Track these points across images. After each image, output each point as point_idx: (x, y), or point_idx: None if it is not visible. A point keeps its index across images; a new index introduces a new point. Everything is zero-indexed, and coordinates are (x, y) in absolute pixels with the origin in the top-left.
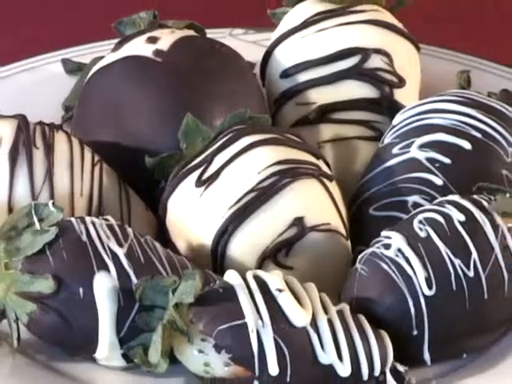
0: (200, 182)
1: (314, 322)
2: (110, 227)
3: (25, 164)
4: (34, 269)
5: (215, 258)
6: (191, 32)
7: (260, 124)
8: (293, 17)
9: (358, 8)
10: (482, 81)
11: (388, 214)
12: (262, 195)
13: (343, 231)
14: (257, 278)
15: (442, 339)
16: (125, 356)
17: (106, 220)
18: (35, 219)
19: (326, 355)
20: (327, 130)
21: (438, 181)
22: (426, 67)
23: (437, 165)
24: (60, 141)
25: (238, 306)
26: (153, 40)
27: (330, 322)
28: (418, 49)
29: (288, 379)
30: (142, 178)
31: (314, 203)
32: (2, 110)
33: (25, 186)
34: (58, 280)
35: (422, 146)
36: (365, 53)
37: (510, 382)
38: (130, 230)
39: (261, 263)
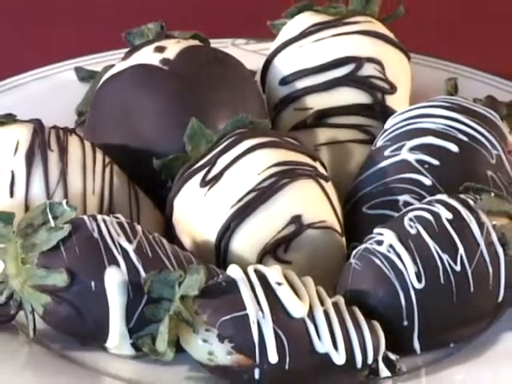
0: (204, 183)
1: (310, 314)
2: (120, 225)
3: (40, 165)
4: (49, 263)
5: (218, 254)
6: (196, 42)
7: (260, 128)
8: (291, 28)
9: (352, 19)
10: (468, 87)
11: (380, 212)
12: (262, 195)
13: (338, 228)
14: (257, 272)
15: (430, 329)
16: (134, 345)
17: (117, 218)
18: (50, 217)
19: (323, 344)
20: (323, 134)
21: (427, 181)
22: (416, 75)
23: (426, 166)
24: (73, 144)
25: (239, 298)
26: (160, 49)
27: (326, 314)
28: (409, 57)
29: (287, 367)
30: (149, 178)
31: (311, 202)
32: (18, 115)
33: (40, 186)
34: (71, 274)
35: (412, 149)
36: (358, 61)
37: (494, 370)
38: (138, 228)
39: (261, 258)
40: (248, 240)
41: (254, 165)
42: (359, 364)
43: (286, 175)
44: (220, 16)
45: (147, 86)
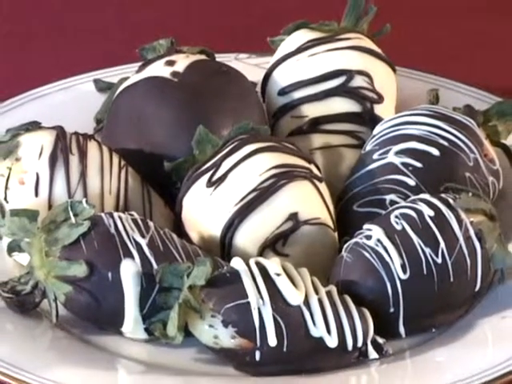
0: (210, 183)
1: (306, 301)
2: (135, 221)
3: (62, 168)
4: (70, 256)
5: (223, 247)
6: (203, 56)
7: (261, 134)
8: (289, 43)
9: (344, 36)
10: (448, 97)
11: (369, 210)
12: (262, 194)
13: (331, 225)
14: (258, 264)
15: (414, 315)
16: (147, 330)
17: (131, 215)
18: (71, 214)
19: (317, 329)
20: (318, 139)
21: (411, 182)
22: (401, 86)
23: (410, 168)
24: (92, 148)
25: (242, 287)
26: (170, 63)
27: (320, 301)
28: (394, 70)
29: (285, 349)
30: (161, 179)
31: (307, 201)
32: (43, 122)
33: (62, 187)
34: (90, 265)
35: (398, 153)
36: (349, 74)
37: (471, 352)
38: (151, 224)
39: (261, 251)
40: (250, 235)
41: (255, 167)
42: (350, 347)
43: (284, 176)
44: (224, 33)
45: (159, 97)
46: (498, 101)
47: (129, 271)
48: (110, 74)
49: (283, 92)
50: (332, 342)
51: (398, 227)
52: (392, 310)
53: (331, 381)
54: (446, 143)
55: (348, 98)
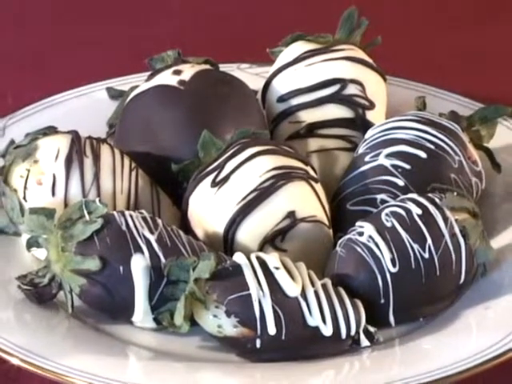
0: (214, 184)
1: (303, 293)
2: (144, 219)
3: (77, 169)
4: (84, 251)
5: (226, 243)
6: (207, 66)
7: (261, 138)
8: (287, 54)
9: (338, 47)
10: (434, 104)
11: (361, 208)
12: (262, 194)
13: (326, 222)
14: (259, 259)
15: (403, 306)
16: (155, 319)
17: (141, 213)
18: (85, 212)
19: (313, 319)
20: (313, 143)
21: (400, 182)
22: (391, 93)
23: (399, 170)
24: (105, 151)
25: (244, 280)
26: (177, 72)
27: (316, 293)
28: (385, 79)
29: (283, 337)
30: (168, 180)
31: (304, 200)
32: (59, 127)
33: (77, 187)
34: (103, 260)
35: (388, 155)
36: (343, 82)
37: (456, 340)
38: (159, 221)
39: (262, 247)
40: (251, 232)
41: (256, 169)
42: (344, 335)
43: (282, 177)
44: (227, 45)
45: (166, 103)
46: (481, 107)
47: (139, 265)
48: (122, 83)
49: (282, 99)
50: (327, 330)
51: (388, 224)
52: (382, 301)
53: (326, 367)
54: (432, 146)
55: (342, 105)
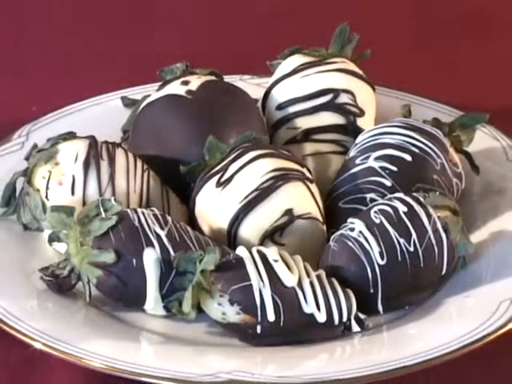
0: (219, 184)
1: (299, 283)
2: (155, 216)
3: (94, 171)
4: (101, 245)
5: (229, 238)
6: (213, 77)
7: (261, 142)
8: (285, 66)
9: (331, 60)
10: (418, 112)
11: (352, 206)
12: (263, 193)
13: (321, 219)
14: (259, 252)
15: (390, 295)
16: (165, 307)
17: (152, 211)
18: (102, 210)
19: (308, 306)
20: (309, 147)
21: (388, 183)
22: (379, 102)
23: (387, 171)
24: (119, 155)
25: (245, 271)
26: (185, 83)
27: (311, 283)
28: (374, 89)
29: (281, 324)
30: (177, 181)
31: (300, 199)
32: (78, 132)
33: (94, 187)
34: (118, 253)
35: (377, 158)
36: (336, 92)
37: (438, 326)
38: (169, 218)
39: (262, 241)
40: (252, 227)
41: (257, 170)
42: (336, 322)
43: (281, 178)
44: (231, 58)
45: (175, 111)
46: (461, 114)
47: (150, 258)
48: (135, 92)
49: (280, 107)
50: (321, 317)
51: (377, 221)
52: (372, 290)
53: (320, 350)
54: (417, 150)
55: (335, 113)
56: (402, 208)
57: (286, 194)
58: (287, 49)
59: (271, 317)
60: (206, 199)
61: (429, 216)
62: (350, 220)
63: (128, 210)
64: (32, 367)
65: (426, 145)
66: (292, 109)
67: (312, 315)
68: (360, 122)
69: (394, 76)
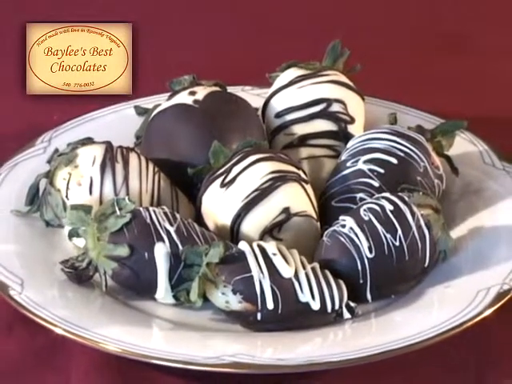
0: (223, 185)
1: (296, 275)
2: (165, 213)
3: (110, 173)
4: (116, 240)
5: (232, 234)
6: (217, 88)
7: (261, 147)
8: (282, 78)
9: (324, 72)
10: (404, 119)
11: (344, 205)
12: (262, 193)
13: (315, 216)
14: (259, 246)
15: (378, 286)
16: (174, 296)
17: (163, 209)
18: (117, 208)
19: (304, 296)
20: (304, 151)
21: (376, 184)
22: (368, 110)
23: (375, 173)
24: (133, 158)
25: (247, 264)
26: (192, 93)
27: (307, 275)
28: (363, 99)
29: (279, 311)
30: (185, 182)
31: (296, 198)
32: (95, 138)
33: (110, 187)
34: (131, 248)
35: (366, 161)
36: (329, 101)
37: (422, 313)
38: (177, 215)
39: (262, 236)
40: (253, 224)
41: (257, 172)
42: (329, 309)
43: (279, 179)
44: (234, 70)
45: (183, 119)
46: (442, 122)
47: (161, 252)
48: (147, 102)
49: (278, 115)
50: (315, 305)
51: (366, 218)
52: (361, 281)
53: (315, 335)
54: (402, 154)
55: (328, 120)
56: (389, 206)
57: (283, 194)
58: (285, 62)
59: (270, 305)
60: (211, 198)
61: (413, 214)
62: (341, 217)
63: (141, 208)
64: (54, 351)
65: (411, 149)
66: (289, 117)
67: (307, 303)
68: (351, 128)
69: (381, 87)
